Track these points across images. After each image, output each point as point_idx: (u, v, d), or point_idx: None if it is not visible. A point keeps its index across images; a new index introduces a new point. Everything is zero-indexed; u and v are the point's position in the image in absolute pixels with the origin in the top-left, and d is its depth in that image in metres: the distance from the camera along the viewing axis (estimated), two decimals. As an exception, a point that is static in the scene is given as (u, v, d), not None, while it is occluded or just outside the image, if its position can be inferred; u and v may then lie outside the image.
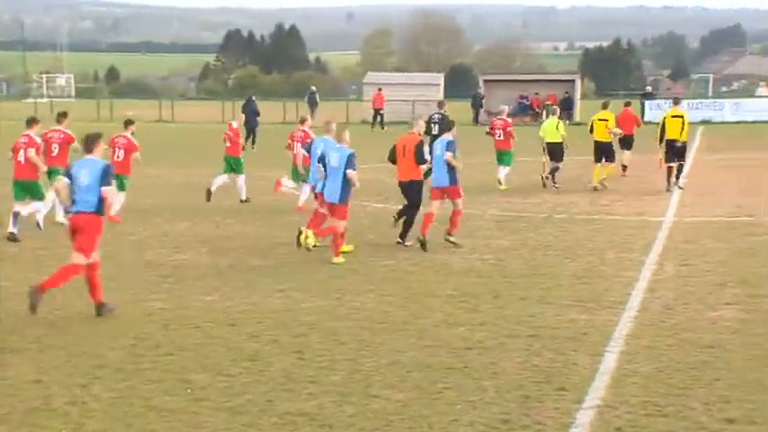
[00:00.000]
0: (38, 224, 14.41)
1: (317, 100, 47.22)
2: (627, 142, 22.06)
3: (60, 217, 14.42)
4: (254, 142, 31.71)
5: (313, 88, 49.59)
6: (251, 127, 32.21)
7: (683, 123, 19.13)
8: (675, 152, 19.13)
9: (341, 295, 10.16)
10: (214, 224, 15.45)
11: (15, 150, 14.19)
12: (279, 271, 11.54)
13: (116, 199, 13.24)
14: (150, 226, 15.24)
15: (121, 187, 15.07)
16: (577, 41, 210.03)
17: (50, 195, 13.96)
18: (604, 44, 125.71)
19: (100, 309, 9.26)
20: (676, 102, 20.57)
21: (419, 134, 13.25)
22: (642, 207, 16.78)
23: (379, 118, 43.10)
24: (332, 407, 6.63)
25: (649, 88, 51.90)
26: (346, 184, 12.00)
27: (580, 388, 6.95)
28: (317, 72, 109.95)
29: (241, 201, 18.15)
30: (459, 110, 39.46)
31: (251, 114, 32.80)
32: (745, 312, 9.16)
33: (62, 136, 14.86)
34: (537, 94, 46.30)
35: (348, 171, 11.92)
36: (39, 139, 14.33)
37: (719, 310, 9.24)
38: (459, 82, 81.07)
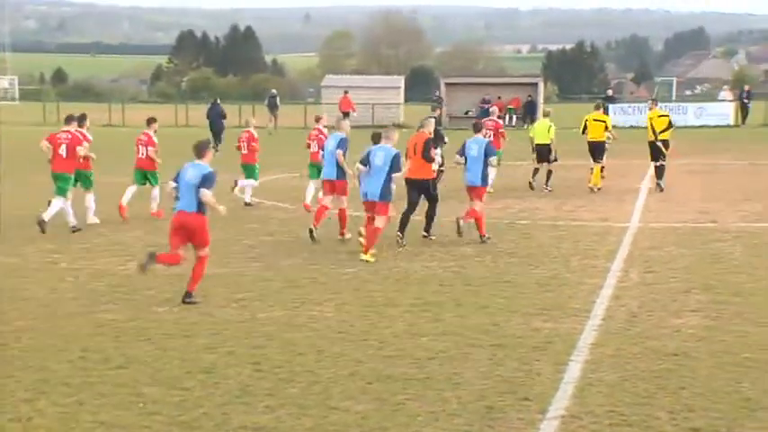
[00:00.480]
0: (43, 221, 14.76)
1: (278, 103, 47.35)
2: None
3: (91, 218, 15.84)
4: (217, 144, 31.80)
5: (273, 91, 49.62)
6: (216, 130, 32.51)
7: (662, 124, 20.37)
8: (660, 152, 20.23)
9: (299, 305, 10.14)
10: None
11: (57, 144, 15.11)
12: (235, 280, 11.48)
13: (153, 194, 16.56)
14: (101, 234, 15.07)
15: (155, 181, 16.67)
16: (540, 44, 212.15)
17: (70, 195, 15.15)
18: (567, 47, 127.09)
19: (188, 296, 10.24)
20: (655, 103, 22.00)
21: (429, 133, 13.95)
22: (607, 213, 16.98)
23: None
24: (290, 420, 6.61)
25: (610, 91, 52.47)
26: (389, 182, 12.70)
27: (544, 398, 7.01)
28: (274, 74, 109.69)
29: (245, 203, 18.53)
30: (420, 113, 39.52)
31: (216, 117, 33.08)
32: (709, 319, 9.30)
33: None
34: (499, 97, 46.60)
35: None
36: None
37: (684, 318, 9.38)
38: (420, 85, 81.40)
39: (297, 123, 46.48)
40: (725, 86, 56.49)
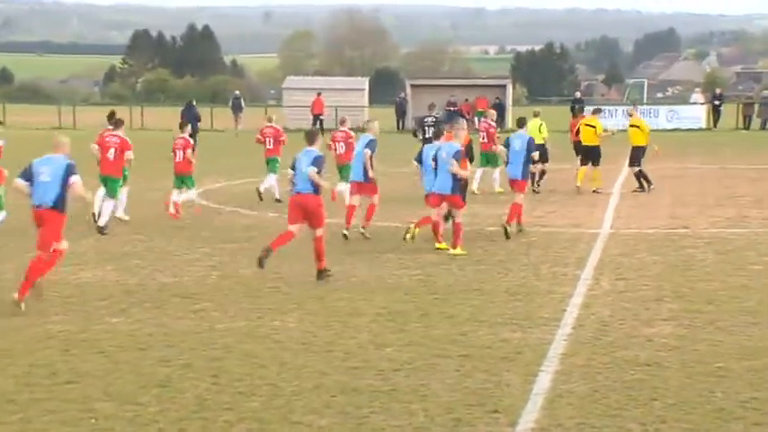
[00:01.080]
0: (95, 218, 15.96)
1: (242, 105, 47.80)
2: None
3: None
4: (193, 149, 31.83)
5: (237, 93, 50.06)
6: (192, 133, 32.52)
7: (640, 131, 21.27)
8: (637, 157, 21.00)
9: (260, 315, 10.10)
10: (123, 242, 15.20)
11: (106, 148, 16.16)
12: (193, 289, 11.41)
13: (189, 195, 17.99)
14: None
15: (191, 183, 17.87)
16: (508, 45, 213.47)
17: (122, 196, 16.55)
18: (536, 48, 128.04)
19: (321, 273, 11.74)
20: (633, 107, 23.18)
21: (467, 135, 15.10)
22: (577, 218, 17.12)
23: (318, 124, 43.62)
24: (250, 436, 6.58)
25: (578, 94, 52.95)
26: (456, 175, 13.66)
27: (513, 410, 7.05)
28: (234, 76, 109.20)
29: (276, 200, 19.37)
30: (384, 116, 39.65)
31: (192, 120, 33.43)
32: (682, 328, 9.41)
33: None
34: (467, 99, 46.80)
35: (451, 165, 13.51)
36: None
37: (656, 326, 9.48)
38: (385, 86, 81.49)
39: (257, 126, 46.22)
40: (697, 89, 57.25)
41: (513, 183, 15.61)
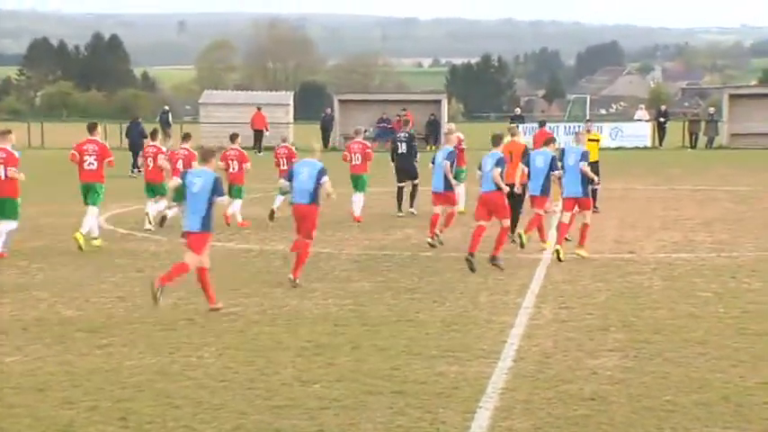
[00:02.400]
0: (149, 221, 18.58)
1: (170, 120, 48.22)
2: None
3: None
4: (138, 166, 31.96)
5: (166, 108, 50.71)
6: (137, 150, 33.17)
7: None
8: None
9: (174, 350, 9.98)
10: (20, 269, 14.87)
11: (145, 156, 18.82)
12: (99, 323, 11.23)
13: (235, 206, 19.60)
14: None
15: (239, 194, 19.63)
16: (443, 57, 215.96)
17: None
18: (473, 60, 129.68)
19: (493, 260, 13.94)
20: (588, 125, 23.24)
21: (521, 142, 17.26)
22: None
23: (260, 140, 44.57)
24: (164, 484, 6.47)
25: (518, 110, 53.73)
26: (548, 179, 15.84)
27: (451, 450, 7.06)
28: (145, 89, 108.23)
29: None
30: (310, 133, 39.62)
31: (138, 137, 33.89)
32: (628, 359, 9.57)
33: (186, 153, 18.76)
34: (398, 116, 47.06)
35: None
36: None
37: (601, 358, 9.62)
38: (312, 102, 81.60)
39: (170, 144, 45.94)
40: (641, 105, 58.47)
41: (533, 199, 16.31)
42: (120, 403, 8.24)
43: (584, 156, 15.66)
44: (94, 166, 16.83)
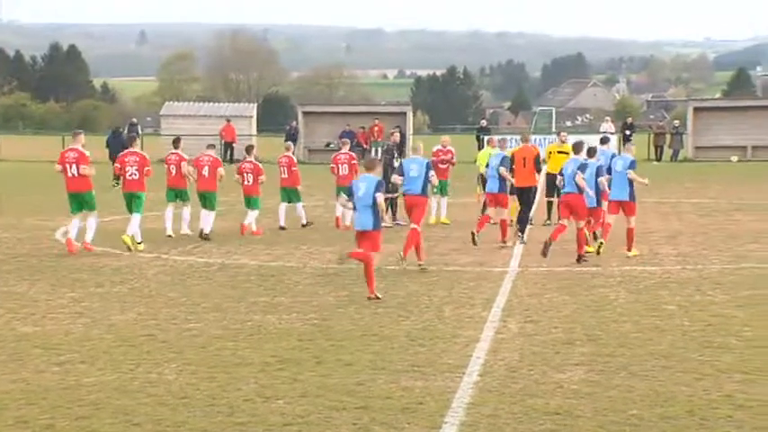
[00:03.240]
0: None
1: (139, 132, 48.60)
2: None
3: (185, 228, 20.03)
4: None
5: (133, 120, 50.77)
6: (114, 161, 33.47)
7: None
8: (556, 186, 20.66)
9: (134, 366, 9.91)
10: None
11: (201, 167, 19.87)
12: (57, 339, 11.12)
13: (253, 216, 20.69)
14: None
15: (255, 205, 20.58)
16: (408, 69, 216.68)
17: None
18: (438, 72, 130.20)
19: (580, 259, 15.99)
20: (563, 137, 23.21)
21: (534, 147, 19.59)
22: (483, 256, 17.37)
23: (230, 152, 44.51)
24: (123, 503, 6.42)
25: (484, 122, 53.98)
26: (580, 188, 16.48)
27: (416, 466, 7.07)
28: (105, 101, 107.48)
29: (302, 225, 21.32)
30: (274, 146, 39.56)
31: (120, 147, 34.10)
32: (594, 373, 9.63)
33: (211, 160, 19.99)
34: (362, 128, 47.11)
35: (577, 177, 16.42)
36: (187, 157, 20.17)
37: (567, 372, 9.68)
38: (275, 114, 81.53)
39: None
40: (607, 117, 59.01)
41: (623, 204, 17.22)
42: (77, 421, 8.16)
43: (632, 164, 17.37)
44: (136, 176, 18.38)
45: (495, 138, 23.60)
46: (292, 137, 48.04)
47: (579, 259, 16.35)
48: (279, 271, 15.89)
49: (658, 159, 46.34)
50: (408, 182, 16.19)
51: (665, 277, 15.06)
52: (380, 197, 13.52)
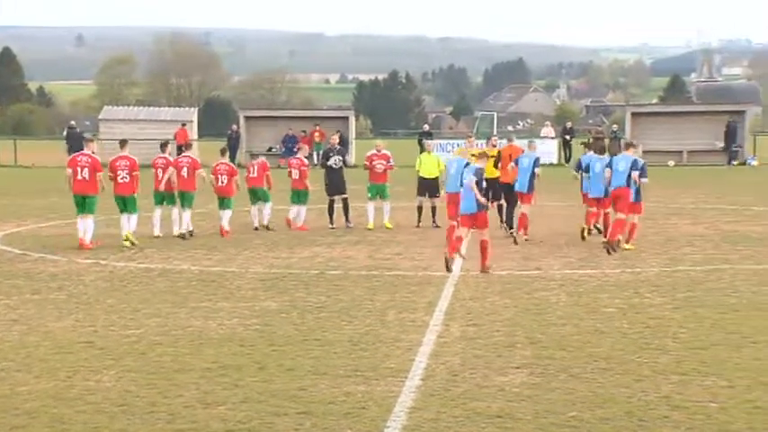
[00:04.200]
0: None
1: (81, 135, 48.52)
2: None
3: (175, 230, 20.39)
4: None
5: (72, 123, 50.77)
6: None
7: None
8: (502, 190, 20.92)
9: (71, 374, 9.77)
10: None
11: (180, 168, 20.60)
12: (-8, 348, 10.91)
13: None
14: None
15: (228, 205, 21.20)
16: (350, 73, 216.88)
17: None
18: (380, 77, 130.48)
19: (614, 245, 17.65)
20: (510, 140, 23.03)
21: (519, 146, 21.08)
22: (426, 260, 17.43)
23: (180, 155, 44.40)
24: None
25: (427, 126, 54.20)
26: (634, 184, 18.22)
27: (358, 470, 7.05)
28: (41, 104, 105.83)
29: (266, 228, 21.74)
30: (216, 150, 39.28)
31: (77, 143, 33.84)
32: (534, 376, 9.71)
33: (190, 161, 20.73)
34: (304, 131, 47.01)
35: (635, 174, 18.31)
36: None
37: (508, 375, 9.74)
38: (217, 118, 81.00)
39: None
40: (547, 122, 59.56)
41: (633, 206, 18.42)
42: (12, 431, 8.01)
43: (644, 166, 18.70)
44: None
45: (495, 138, 23.20)
46: (234, 141, 47.94)
47: (614, 246, 17.73)
48: (220, 276, 15.78)
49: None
50: (449, 180, 18.21)
51: (604, 280, 15.24)
52: (472, 180, 15.44)
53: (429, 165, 22.28)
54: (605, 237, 18.43)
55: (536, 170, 19.80)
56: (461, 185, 16.17)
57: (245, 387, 9.30)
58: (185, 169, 20.54)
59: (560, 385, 9.35)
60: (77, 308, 13.24)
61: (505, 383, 9.42)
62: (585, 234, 19.54)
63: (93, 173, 18.88)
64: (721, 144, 46.51)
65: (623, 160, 18.79)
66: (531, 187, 19.83)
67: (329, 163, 22.09)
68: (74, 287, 14.85)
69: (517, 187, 19.89)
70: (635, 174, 18.24)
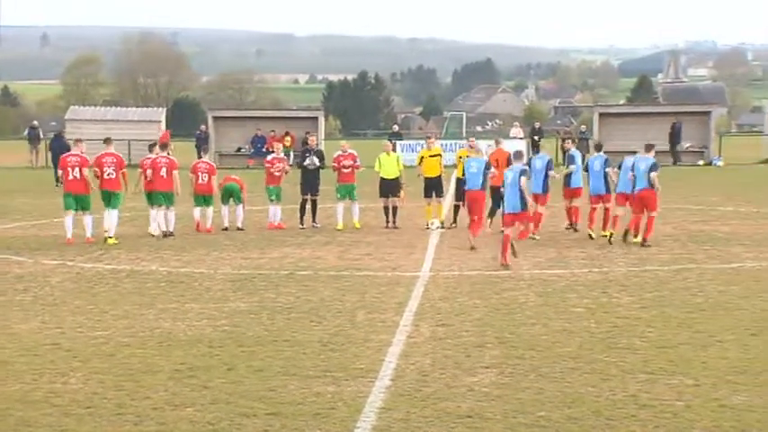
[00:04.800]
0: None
1: (41, 136, 48.94)
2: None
3: (152, 229, 20.69)
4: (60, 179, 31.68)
5: (35, 123, 51.10)
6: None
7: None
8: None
9: (38, 376, 9.69)
10: None
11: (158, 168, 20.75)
12: (-43, 350, 10.80)
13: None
14: None
15: (209, 203, 21.52)
16: (319, 74, 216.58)
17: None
18: (350, 77, 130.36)
19: (644, 243, 18.60)
20: (498, 142, 23.21)
21: (506, 150, 20.89)
22: (396, 261, 17.44)
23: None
24: None
25: (396, 127, 54.22)
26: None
27: (328, 471, 7.05)
28: (6, 105, 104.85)
29: (237, 228, 21.71)
30: (184, 150, 39.13)
31: (63, 150, 33.81)
32: (504, 376, 9.75)
33: (168, 161, 20.79)
34: (272, 131, 46.84)
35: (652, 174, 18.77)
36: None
37: (478, 375, 9.77)
38: (185, 119, 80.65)
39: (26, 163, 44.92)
40: (515, 123, 59.75)
41: (641, 196, 18.97)
42: (-21, 434, 7.95)
43: (607, 162, 20.14)
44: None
45: (474, 141, 23.06)
46: (202, 141, 47.72)
47: (644, 243, 18.62)
48: (189, 277, 15.71)
49: (565, 164, 47.06)
50: (470, 178, 18.98)
51: (572, 280, 15.32)
52: (524, 181, 16.41)
53: (388, 165, 22.23)
54: (603, 229, 19.74)
55: (550, 172, 20.63)
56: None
57: (213, 388, 9.26)
58: (164, 169, 20.65)
59: (529, 385, 9.39)
60: (44, 309, 13.13)
61: (475, 383, 9.45)
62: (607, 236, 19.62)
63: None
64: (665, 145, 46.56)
65: (597, 160, 20.28)
66: (546, 188, 20.54)
67: (305, 163, 22.15)
68: (40, 288, 14.73)
69: (533, 189, 19.41)
70: (653, 174, 18.68)
